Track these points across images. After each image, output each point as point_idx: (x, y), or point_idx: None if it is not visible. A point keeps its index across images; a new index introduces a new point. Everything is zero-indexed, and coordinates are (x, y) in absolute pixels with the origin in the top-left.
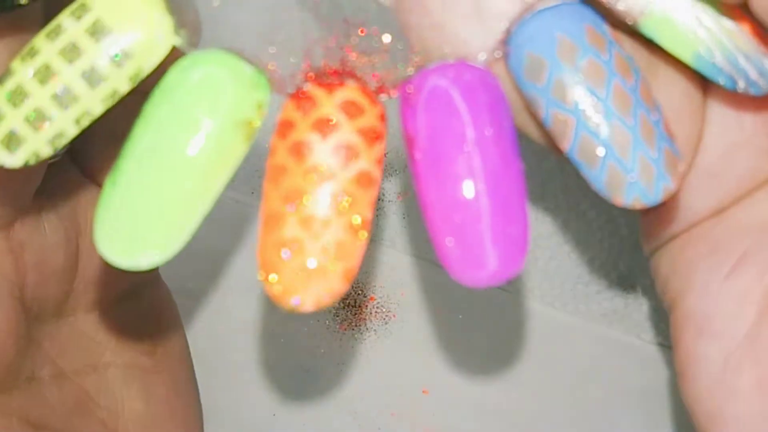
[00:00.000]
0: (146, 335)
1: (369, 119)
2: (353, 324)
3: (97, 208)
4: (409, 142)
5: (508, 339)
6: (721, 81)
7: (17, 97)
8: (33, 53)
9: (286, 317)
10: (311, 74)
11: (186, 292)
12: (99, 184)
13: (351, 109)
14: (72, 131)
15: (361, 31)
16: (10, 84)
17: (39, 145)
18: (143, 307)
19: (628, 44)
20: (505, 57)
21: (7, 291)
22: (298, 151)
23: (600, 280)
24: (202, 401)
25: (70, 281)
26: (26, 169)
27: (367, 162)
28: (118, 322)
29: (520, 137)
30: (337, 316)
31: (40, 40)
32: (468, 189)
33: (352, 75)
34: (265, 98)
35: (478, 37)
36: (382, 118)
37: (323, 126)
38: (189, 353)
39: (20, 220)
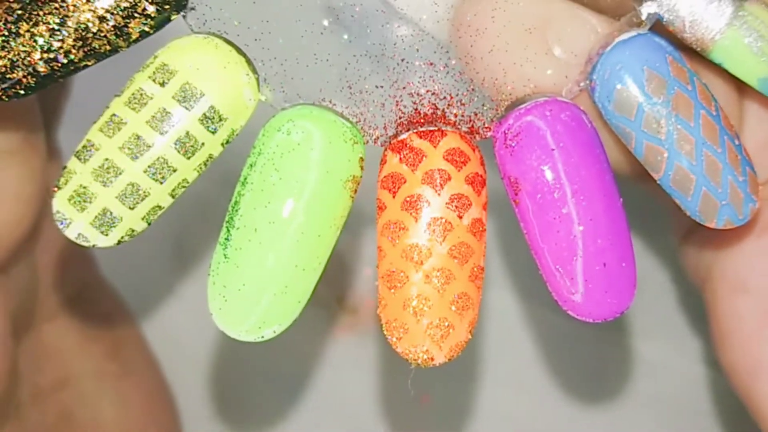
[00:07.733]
0: (105, 338)
1: (474, 166)
2: (350, 328)
3: (210, 281)
4: (508, 183)
5: (512, 343)
6: None
7: (106, 173)
8: (117, 124)
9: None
10: (405, 122)
11: (176, 297)
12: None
13: (457, 158)
14: (167, 203)
15: (442, 68)
16: (95, 160)
17: (134, 223)
18: (95, 310)
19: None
20: (589, 90)
21: (1, 328)
22: (414, 206)
23: None
24: (197, 408)
25: (36, 293)
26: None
27: (477, 209)
28: (76, 328)
29: None
30: (335, 321)
31: (120, 108)
32: (570, 233)
33: (443, 119)
34: (363, 151)
35: (557, 72)
36: (482, 162)
37: (434, 179)
38: (152, 356)
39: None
